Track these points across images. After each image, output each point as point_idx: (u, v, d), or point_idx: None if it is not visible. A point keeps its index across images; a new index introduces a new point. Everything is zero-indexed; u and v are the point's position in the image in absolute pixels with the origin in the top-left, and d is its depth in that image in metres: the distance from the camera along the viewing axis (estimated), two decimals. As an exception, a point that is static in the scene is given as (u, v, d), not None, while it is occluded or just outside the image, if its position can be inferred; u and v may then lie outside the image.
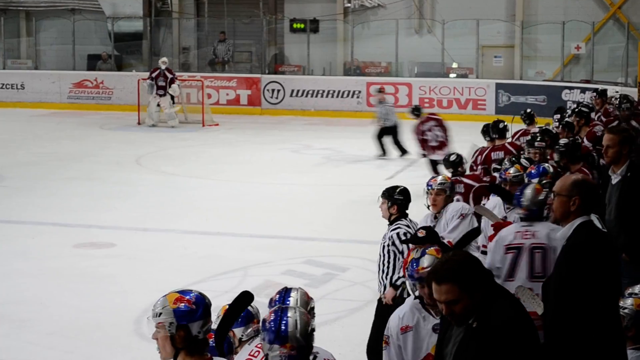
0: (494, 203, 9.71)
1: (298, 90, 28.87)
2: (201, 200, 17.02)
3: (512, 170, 9.76)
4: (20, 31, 33.19)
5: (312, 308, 5.49)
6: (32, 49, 32.82)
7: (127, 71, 30.39)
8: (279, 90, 28.95)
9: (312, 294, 10.68)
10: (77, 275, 12.52)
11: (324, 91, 28.82)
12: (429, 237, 7.87)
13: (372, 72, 29.94)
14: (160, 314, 4.76)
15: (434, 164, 17.06)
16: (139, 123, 26.42)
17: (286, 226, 15.14)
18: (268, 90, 29.03)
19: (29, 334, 10.40)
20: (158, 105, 26.16)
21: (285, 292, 5.56)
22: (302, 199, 17.19)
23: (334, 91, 28.83)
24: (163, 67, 26.18)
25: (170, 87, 26.00)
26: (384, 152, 20.82)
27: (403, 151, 20.52)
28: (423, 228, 8.05)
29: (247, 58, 30.93)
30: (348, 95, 28.67)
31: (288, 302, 5.35)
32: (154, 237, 14.68)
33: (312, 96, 28.83)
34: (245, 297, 5.16)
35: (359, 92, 28.56)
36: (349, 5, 30.69)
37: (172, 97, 26.25)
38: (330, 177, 19.09)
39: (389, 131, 20.59)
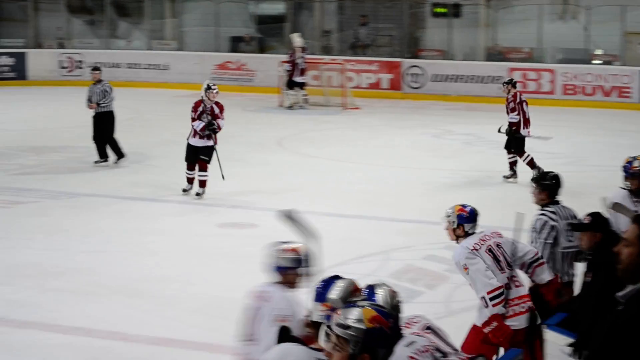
0: (620, 196, 9.54)
1: (439, 75, 28.75)
2: (341, 183, 17.12)
3: (636, 163, 9.67)
4: (165, 13, 33.70)
5: (398, 304, 4.98)
6: (176, 30, 33.32)
7: (270, 53, 30.63)
8: (420, 75, 28.88)
9: (454, 279, 10.81)
10: (220, 254, 12.75)
11: (465, 76, 28.64)
12: (595, 223, 7.82)
13: (515, 58, 29.60)
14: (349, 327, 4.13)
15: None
16: (280, 105, 26.63)
17: (426, 211, 15.11)
18: (409, 74, 28.98)
19: (173, 311, 10.64)
20: (296, 86, 26.37)
21: (370, 289, 5.17)
22: (442, 183, 17.13)
23: (476, 76, 28.63)
24: (297, 43, 26.37)
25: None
26: None
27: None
28: (590, 214, 8.01)
29: (388, 42, 30.87)
30: (489, 81, 28.44)
31: (374, 300, 4.96)
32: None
33: (453, 81, 28.69)
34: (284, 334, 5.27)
35: (501, 77, 28.32)
36: (492, -10, 30.47)
37: (296, 83, 26.44)
38: (471, 162, 18.95)
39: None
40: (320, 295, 5.29)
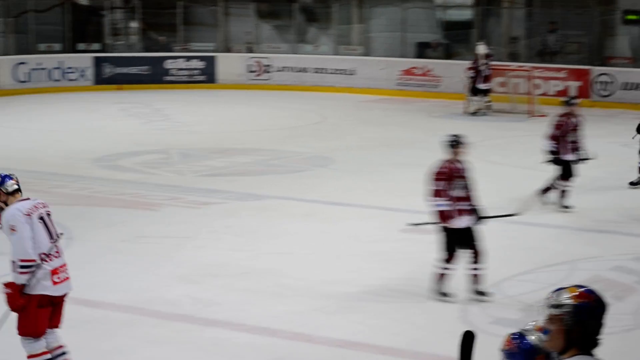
0: None
1: (629, 83, 28.07)
2: (527, 191, 16.87)
3: None
4: (352, 18, 33.87)
5: None
6: (363, 35, 33.44)
7: (456, 60, 30.46)
8: (609, 83, 28.28)
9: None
10: (404, 259, 12.74)
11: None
12: None
13: None
14: (559, 305, 4.71)
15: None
16: (466, 112, 26.46)
17: (615, 222, 14.86)
18: (598, 82, 28.41)
19: (357, 314, 10.69)
20: (479, 93, 26.21)
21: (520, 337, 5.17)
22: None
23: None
24: (480, 50, 26.20)
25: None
26: None
27: None
28: None
29: (577, 49, 30.35)
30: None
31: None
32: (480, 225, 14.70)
33: (644, 89, 28.07)
34: (468, 338, 5.15)
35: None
36: (687, -5, 29.65)
37: (480, 90, 26.22)
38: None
39: None
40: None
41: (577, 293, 4.66)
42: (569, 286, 4.71)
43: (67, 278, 8.51)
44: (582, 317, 4.61)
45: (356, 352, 9.65)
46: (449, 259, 11.05)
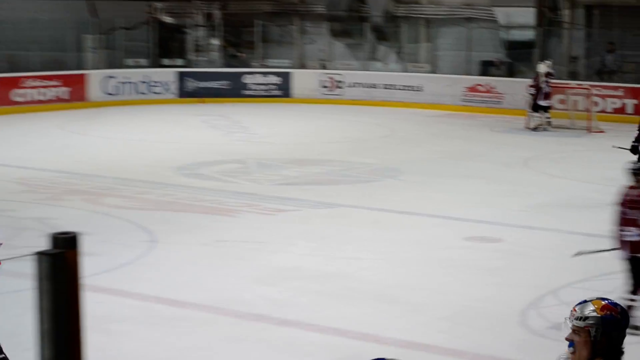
0: None
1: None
2: (581, 205, 16.72)
3: None
4: (420, 37, 33.87)
5: None
6: (430, 54, 33.42)
7: (518, 77, 30.29)
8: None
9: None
10: (467, 266, 12.69)
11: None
12: None
13: None
14: (584, 317, 4.64)
15: None
16: (527, 127, 26.30)
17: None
18: (654, 100, 28.15)
19: (422, 317, 10.67)
20: (540, 109, 26.06)
21: None
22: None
23: None
24: (542, 69, 26.06)
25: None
26: None
27: None
28: None
29: (634, 68, 30.08)
30: None
31: None
32: (540, 235, 14.61)
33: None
34: None
35: None
36: None
37: (540, 106, 26.03)
38: None
39: None
40: None
41: (602, 305, 4.60)
42: (594, 299, 4.66)
43: None
44: (607, 328, 4.54)
45: (420, 352, 9.62)
46: (636, 290, 10.24)
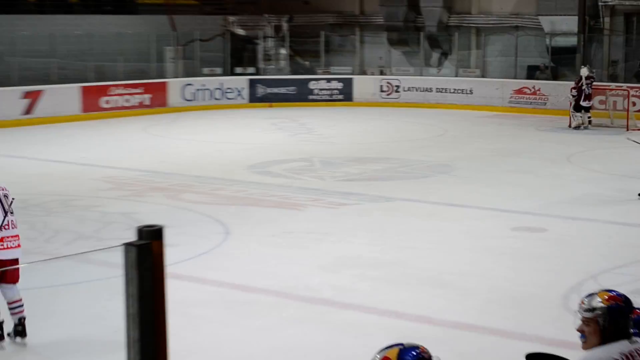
0: None
1: None
2: (620, 197, 16.56)
3: None
4: (471, 44, 33.72)
5: None
6: (480, 59, 33.27)
7: (561, 80, 30.02)
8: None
9: None
10: (513, 254, 12.66)
11: None
12: None
13: None
14: (592, 309, 4.68)
15: None
16: (569, 126, 26.09)
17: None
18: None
19: (472, 300, 10.66)
20: (582, 110, 25.88)
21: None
22: None
23: None
24: (584, 72, 25.89)
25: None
26: None
27: None
28: None
29: (671, 71, 29.77)
30: None
31: None
32: (581, 225, 14.52)
33: None
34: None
35: None
36: None
37: (582, 107, 25.83)
38: None
39: None
40: None
41: (607, 297, 4.66)
42: (599, 291, 4.73)
43: (17, 246, 8.99)
44: (614, 316, 4.60)
45: (471, 333, 9.63)
46: None
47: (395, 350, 3.99)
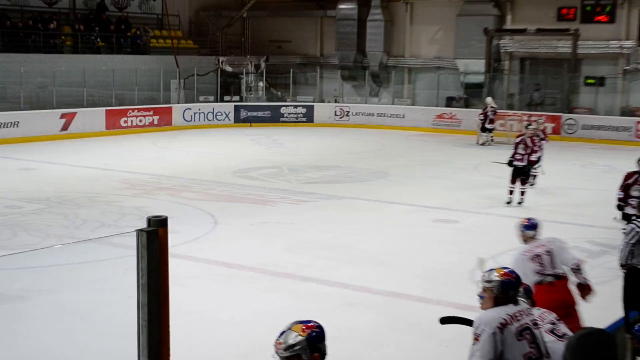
0: None
1: (587, 125, 27.64)
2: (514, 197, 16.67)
3: None
4: (404, 80, 33.80)
5: None
6: (410, 92, 33.36)
7: (472, 108, 30.23)
8: (574, 124, 27.84)
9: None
10: (433, 240, 12.76)
11: (605, 126, 27.38)
12: None
13: (641, 114, 28.31)
14: (490, 281, 4.83)
15: None
16: (477, 143, 26.29)
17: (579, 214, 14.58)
18: (566, 124, 27.99)
19: (401, 275, 10.73)
20: (486, 131, 26.13)
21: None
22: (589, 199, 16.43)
23: (612, 127, 27.37)
24: (488, 102, 26.16)
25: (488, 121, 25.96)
26: None
27: None
28: None
29: (553, 102, 29.96)
30: (622, 130, 27.14)
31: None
32: (484, 218, 14.62)
33: (596, 130, 27.50)
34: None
35: (630, 127, 27.03)
36: (627, 67, 29.02)
37: (487, 128, 26.10)
38: (607, 184, 18.11)
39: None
40: None
41: (502, 273, 4.84)
42: (497, 268, 4.91)
43: None
44: (506, 288, 4.78)
45: (401, 299, 9.67)
46: None
47: (299, 326, 3.63)
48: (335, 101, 33.40)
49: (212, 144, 25.97)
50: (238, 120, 31.25)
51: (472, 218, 14.57)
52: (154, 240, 3.02)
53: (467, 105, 31.15)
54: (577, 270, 6.96)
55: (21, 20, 28.90)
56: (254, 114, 31.52)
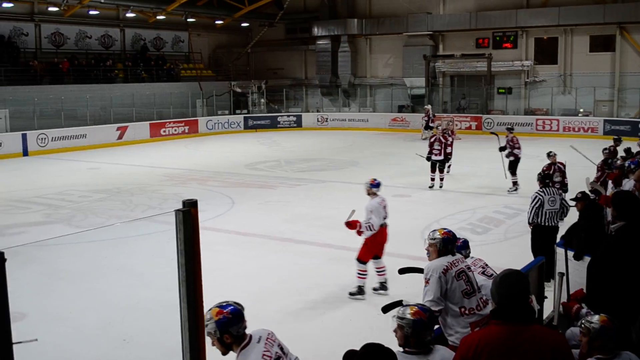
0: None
1: (500, 122, 27.59)
2: (451, 175, 16.63)
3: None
4: (367, 94, 33.70)
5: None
6: (372, 102, 33.29)
7: (417, 113, 30.17)
8: (491, 122, 27.87)
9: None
10: (394, 209, 12.54)
11: (511, 123, 27.19)
12: (583, 197, 7.27)
13: (538, 113, 28.26)
14: (434, 238, 4.62)
15: None
16: (421, 138, 26.26)
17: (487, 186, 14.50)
18: (486, 122, 28.02)
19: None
20: (429, 128, 26.11)
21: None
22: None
23: (519, 123, 27.36)
24: (428, 108, 26.10)
25: (431, 121, 25.86)
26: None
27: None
28: (580, 192, 7.35)
29: (475, 106, 30.00)
30: (526, 125, 27.18)
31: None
32: (430, 192, 14.49)
33: (505, 125, 27.50)
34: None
35: (532, 123, 27.10)
36: (527, 80, 29.10)
37: (430, 126, 26.09)
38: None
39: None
40: None
41: (443, 232, 4.64)
42: (439, 229, 4.70)
43: None
44: (446, 243, 4.63)
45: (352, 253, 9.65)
46: None
47: (215, 309, 3.25)
48: (317, 111, 33.27)
49: (228, 146, 25.85)
50: (247, 127, 31.08)
51: (420, 193, 14.54)
52: (188, 217, 2.98)
53: (413, 111, 31.12)
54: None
55: (86, 59, 28.65)
56: (258, 122, 31.34)
